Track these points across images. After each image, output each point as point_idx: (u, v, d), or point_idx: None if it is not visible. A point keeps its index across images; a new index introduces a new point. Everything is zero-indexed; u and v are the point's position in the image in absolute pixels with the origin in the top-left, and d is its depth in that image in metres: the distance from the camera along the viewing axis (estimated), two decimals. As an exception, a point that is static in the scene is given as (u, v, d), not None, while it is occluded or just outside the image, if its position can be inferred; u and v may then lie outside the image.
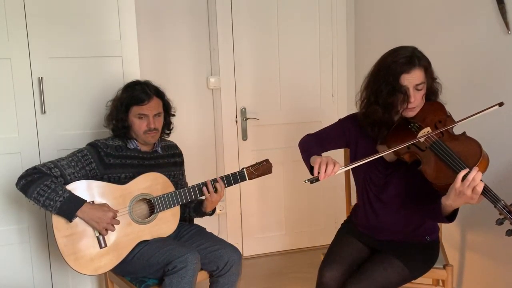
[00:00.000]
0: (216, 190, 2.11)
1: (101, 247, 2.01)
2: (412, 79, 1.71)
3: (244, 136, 3.27)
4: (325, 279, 1.86)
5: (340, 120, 2.07)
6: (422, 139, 1.71)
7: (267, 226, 3.42)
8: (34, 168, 2.00)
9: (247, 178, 2.16)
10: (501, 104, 1.67)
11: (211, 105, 3.25)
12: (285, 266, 3.23)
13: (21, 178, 1.99)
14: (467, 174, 1.54)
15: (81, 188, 2.01)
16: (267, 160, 2.20)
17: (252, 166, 2.17)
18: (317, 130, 2.16)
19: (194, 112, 3.20)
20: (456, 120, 1.77)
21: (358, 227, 2.05)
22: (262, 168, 2.17)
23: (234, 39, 3.17)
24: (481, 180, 1.53)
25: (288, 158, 3.34)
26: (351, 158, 2.03)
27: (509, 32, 2.13)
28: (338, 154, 2.21)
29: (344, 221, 2.20)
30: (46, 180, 1.95)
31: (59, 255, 1.97)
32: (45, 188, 1.93)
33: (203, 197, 2.15)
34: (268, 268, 3.21)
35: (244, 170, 2.16)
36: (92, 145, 2.12)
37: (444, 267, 2.00)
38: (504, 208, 1.52)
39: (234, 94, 3.22)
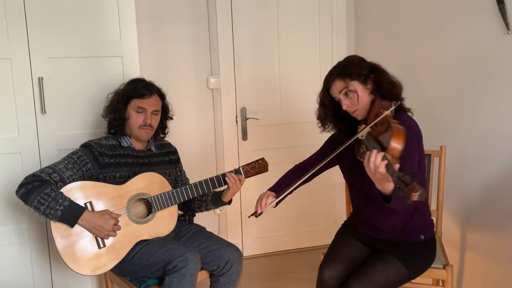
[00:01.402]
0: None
1: (99, 247, 2.01)
2: (335, 89, 1.91)
3: (244, 136, 3.28)
4: (325, 277, 1.90)
5: (326, 140, 2.18)
6: (360, 136, 1.80)
7: (267, 226, 3.42)
8: (33, 175, 1.98)
9: (243, 176, 2.18)
10: (395, 104, 1.79)
11: (211, 105, 3.25)
12: (285, 266, 3.23)
13: (21, 186, 1.97)
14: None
15: (78, 189, 2.01)
16: (262, 159, 2.22)
17: (248, 164, 2.20)
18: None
19: (194, 112, 3.20)
20: (390, 114, 1.81)
21: (358, 226, 2.07)
22: (258, 167, 2.20)
23: (234, 39, 3.17)
24: (384, 159, 1.54)
25: (288, 158, 3.32)
26: (341, 170, 2.11)
27: (509, 32, 2.13)
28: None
29: (345, 221, 2.21)
30: (46, 188, 1.94)
31: (59, 255, 1.97)
32: (45, 197, 1.92)
33: (220, 189, 2.20)
34: (268, 268, 3.21)
35: (241, 168, 2.17)
36: (86, 146, 2.12)
37: (444, 267, 2.00)
38: (398, 179, 1.47)
39: (234, 94, 3.22)
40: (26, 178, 1.99)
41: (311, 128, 3.34)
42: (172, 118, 2.33)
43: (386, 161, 1.54)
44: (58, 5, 2.33)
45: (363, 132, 1.79)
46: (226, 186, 2.18)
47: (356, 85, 1.87)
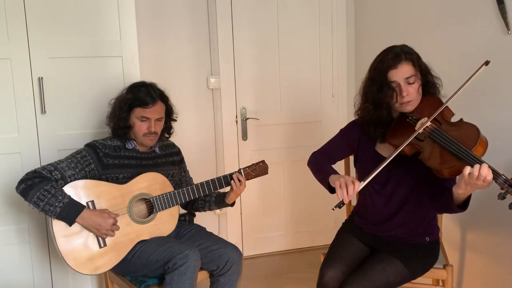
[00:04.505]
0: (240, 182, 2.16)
1: (100, 246, 2.01)
2: (401, 73, 1.76)
3: (244, 136, 3.27)
4: (326, 278, 1.86)
5: (341, 130, 2.10)
6: (421, 130, 1.73)
7: (267, 226, 3.42)
8: (35, 171, 1.99)
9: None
10: (487, 63, 1.72)
11: (211, 105, 3.25)
12: (285, 266, 3.23)
13: (21, 182, 1.98)
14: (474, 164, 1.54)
15: (81, 187, 2.01)
16: (263, 161, 2.23)
17: (249, 166, 2.20)
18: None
19: (194, 112, 3.20)
20: (452, 110, 1.81)
21: (361, 225, 2.05)
22: (258, 169, 2.21)
23: (234, 39, 3.17)
24: (488, 166, 1.52)
25: (288, 158, 3.34)
26: (354, 162, 2.07)
27: (509, 32, 2.13)
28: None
29: (345, 220, 2.20)
30: (46, 185, 1.94)
31: (59, 254, 1.97)
32: (45, 193, 1.92)
33: (224, 190, 2.20)
34: (268, 268, 3.21)
35: (241, 170, 2.18)
36: (91, 146, 2.12)
37: (444, 267, 2.00)
38: (505, 182, 1.52)
39: (234, 94, 3.22)
40: (27, 174, 1.99)
41: (311, 128, 3.37)
42: (176, 120, 2.31)
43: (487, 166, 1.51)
44: (58, 5, 2.33)
45: (424, 125, 1.72)
46: (230, 188, 2.19)
47: (419, 77, 1.81)
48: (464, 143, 1.62)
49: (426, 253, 1.95)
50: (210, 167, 3.27)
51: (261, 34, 3.23)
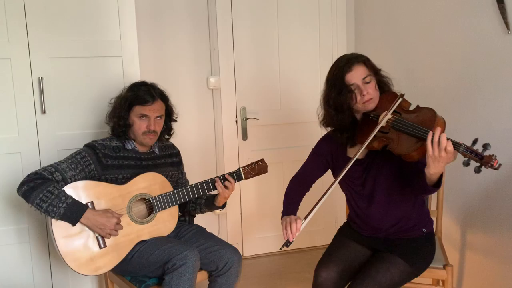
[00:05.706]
0: (226, 187, 2.15)
1: (100, 247, 2.01)
2: (356, 74, 1.86)
3: (244, 136, 3.28)
4: (321, 279, 1.89)
5: (312, 150, 2.14)
6: (383, 123, 1.81)
7: (267, 226, 3.42)
8: (35, 173, 1.97)
9: (243, 178, 2.19)
10: (402, 95, 1.85)
11: (211, 105, 3.25)
12: (285, 266, 3.23)
13: (22, 184, 1.96)
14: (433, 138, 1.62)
15: (80, 188, 2.01)
16: (262, 160, 2.23)
17: (248, 165, 2.21)
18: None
19: (194, 112, 3.20)
20: (408, 101, 1.89)
21: (358, 229, 2.06)
22: (257, 168, 2.22)
23: (234, 39, 3.17)
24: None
25: (288, 158, 3.34)
26: (332, 173, 2.11)
27: (509, 32, 2.13)
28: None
29: (341, 226, 2.21)
30: (49, 186, 1.93)
31: (59, 255, 1.97)
32: (48, 194, 1.91)
33: (214, 192, 2.19)
34: (268, 268, 3.21)
35: (241, 169, 2.19)
36: (90, 146, 2.11)
37: (444, 267, 2.00)
38: (466, 150, 1.59)
39: (234, 94, 3.22)
40: (28, 176, 1.98)
41: (311, 128, 3.37)
42: (176, 121, 2.31)
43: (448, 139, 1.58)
44: (58, 5, 2.33)
45: (385, 118, 1.81)
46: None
47: (373, 76, 1.90)
48: (424, 125, 1.71)
49: (425, 245, 1.97)
50: (210, 167, 3.27)
51: (261, 34, 3.23)
